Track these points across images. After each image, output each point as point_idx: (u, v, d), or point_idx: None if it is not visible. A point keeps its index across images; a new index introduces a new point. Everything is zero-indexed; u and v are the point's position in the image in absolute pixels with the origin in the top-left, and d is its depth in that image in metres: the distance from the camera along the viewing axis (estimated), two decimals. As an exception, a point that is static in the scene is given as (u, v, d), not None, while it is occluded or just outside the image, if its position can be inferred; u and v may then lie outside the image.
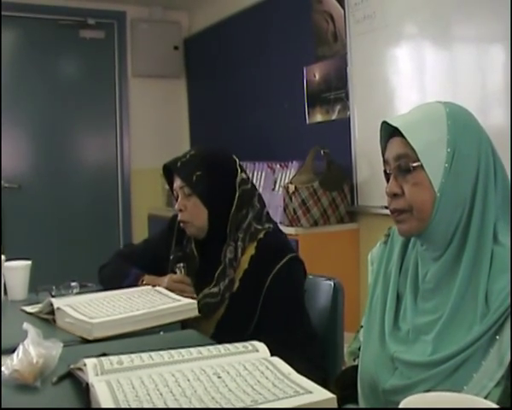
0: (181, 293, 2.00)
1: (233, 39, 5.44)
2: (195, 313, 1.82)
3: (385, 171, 1.44)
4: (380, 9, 3.69)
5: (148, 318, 1.76)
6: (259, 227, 2.16)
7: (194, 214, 2.16)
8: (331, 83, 4.18)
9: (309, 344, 2.07)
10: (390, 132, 1.42)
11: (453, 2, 3.22)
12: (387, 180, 1.43)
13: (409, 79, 3.59)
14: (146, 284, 2.16)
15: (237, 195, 2.15)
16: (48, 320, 1.87)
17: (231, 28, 5.44)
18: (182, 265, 2.21)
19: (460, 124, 1.35)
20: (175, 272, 2.21)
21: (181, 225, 2.23)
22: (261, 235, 2.14)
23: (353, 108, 3.96)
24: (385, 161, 1.44)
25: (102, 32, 6.09)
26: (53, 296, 2.09)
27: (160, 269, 2.25)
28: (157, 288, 2.02)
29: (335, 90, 4.15)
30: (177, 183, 2.22)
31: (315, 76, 4.33)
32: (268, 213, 2.27)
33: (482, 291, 1.28)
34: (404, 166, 1.36)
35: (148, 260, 2.34)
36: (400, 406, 0.89)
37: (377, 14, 3.72)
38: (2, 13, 5.60)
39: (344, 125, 4.01)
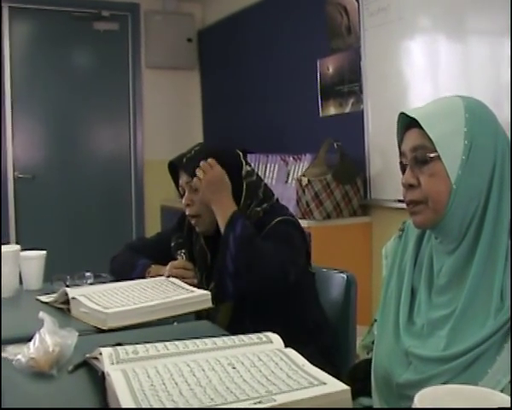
0: (182, 278, 2.04)
1: (246, 31, 5.44)
2: (209, 304, 1.83)
3: (401, 162, 1.44)
4: (394, 2, 3.68)
5: (162, 308, 1.77)
6: (258, 209, 2.17)
7: (202, 208, 2.17)
8: (344, 76, 4.18)
9: (320, 332, 2.08)
10: (407, 124, 1.41)
11: (468, -4, 3.21)
12: (403, 172, 1.42)
13: (422, 72, 3.58)
14: (152, 275, 2.19)
15: (244, 187, 2.17)
16: (62, 310, 1.89)
17: (245, 20, 5.44)
18: (183, 251, 2.24)
19: (477, 117, 1.35)
20: (177, 259, 2.24)
21: (191, 221, 2.25)
22: (260, 214, 2.16)
23: (367, 101, 3.96)
24: (401, 153, 1.44)
25: (116, 24, 6.10)
26: (67, 286, 2.11)
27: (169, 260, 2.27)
28: (171, 279, 2.04)
29: (349, 83, 4.14)
30: (184, 178, 2.25)
31: (328, 69, 4.33)
32: (277, 201, 2.28)
33: (497, 286, 1.28)
34: (420, 157, 1.36)
35: (157, 253, 2.35)
36: (415, 398, 0.89)
37: (391, 7, 3.71)
38: (17, 5, 5.64)
39: (357, 118, 4.01)
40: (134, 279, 2.11)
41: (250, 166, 2.25)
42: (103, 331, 1.67)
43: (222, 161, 2.16)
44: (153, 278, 2.11)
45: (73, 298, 1.85)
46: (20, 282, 2.23)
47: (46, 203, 5.83)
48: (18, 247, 2.23)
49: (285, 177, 4.23)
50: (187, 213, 2.25)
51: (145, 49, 6.14)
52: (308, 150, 4.12)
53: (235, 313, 2.08)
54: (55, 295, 1.98)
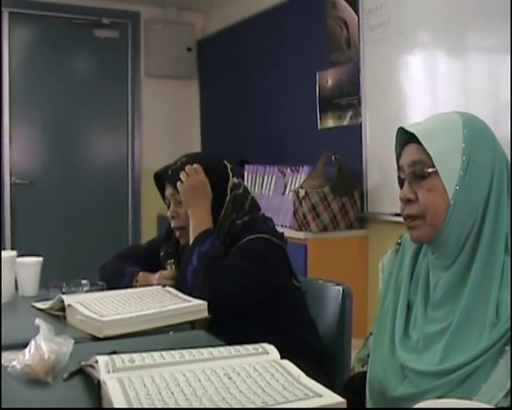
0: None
1: (246, 42, 5.45)
2: (205, 314, 1.82)
3: (399, 177, 1.44)
4: (394, 17, 3.70)
5: (158, 317, 1.76)
6: (238, 221, 2.15)
7: (187, 221, 2.16)
8: (344, 89, 4.19)
9: (307, 348, 2.07)
10: (405, 139, 1.42)
11: (468, 12, 3.23)
12: (401, 186, 1.43)
13: (421, 86, 3.60)
14: (140, 284, 2.19)
15: (227, 199, 2.16)
16: (58, 317, 1.88)
17: (245, 31, 5.45)
18: (172, 261, 2.24)
19: (475, 133, 1.36)
20: (166, 269, 2.24)
21: (176, 233, 2.25)
22: (239, 226, 2.15)
23: (365, 115, 3.97)
24: (399, 168, 1.44)
25: (116, 32, 6.12)
26: (64, 293, 2.10)
27: (160, 269, 2.28)
28: (167, 288, 2.03)
29: (348, 96, 4.15)
30: (169, 190, 2.25)
31: (327, 81, 4.34)
32: (263, 216, 2.26)
33: (493, 301, 1.29)
34: (418, 172, 1.37)
35: (147, 261, 2.35)
36: (412, 412, 0.89)
37: (391, 22, 3.72)
38: (17, 10, 5.65)
39: (356, 132, 4.02)
40: (122, 288, 2.10)
41: (238, 178, 2.24)
42: (99, 339, 1.67)
43: (207, 171, 2.16)
44: (149, 287, 2.09)
45: (69, 305, 1.84)
46: (16, 288, 2.22)
47: (43, 210, 5.82)
48: (14, 253, 2.23)
49: (282, 188, 4.23)
50: (172, 225, 2.25)
51: (144, 58, 6.15)
52: (306, 162, 4.13)
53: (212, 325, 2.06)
54: (50, 301, 1.97)
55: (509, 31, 2.88)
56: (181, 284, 2.02)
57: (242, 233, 2.10)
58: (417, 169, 1.37)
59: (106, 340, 1.65)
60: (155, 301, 1.89)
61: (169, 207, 2.26)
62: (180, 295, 1.94)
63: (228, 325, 1.96)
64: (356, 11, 4.02)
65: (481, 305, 1.30)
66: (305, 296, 2.22)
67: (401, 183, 1.43)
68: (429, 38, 3.52)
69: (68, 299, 1.88)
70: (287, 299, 2.14)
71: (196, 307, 1.83)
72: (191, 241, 2.10)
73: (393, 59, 3.76)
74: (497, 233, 1.32)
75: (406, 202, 1.40)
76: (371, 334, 1.60)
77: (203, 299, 1.84)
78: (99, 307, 1.82)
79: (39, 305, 2.02)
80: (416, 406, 0.91)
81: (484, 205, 1.33)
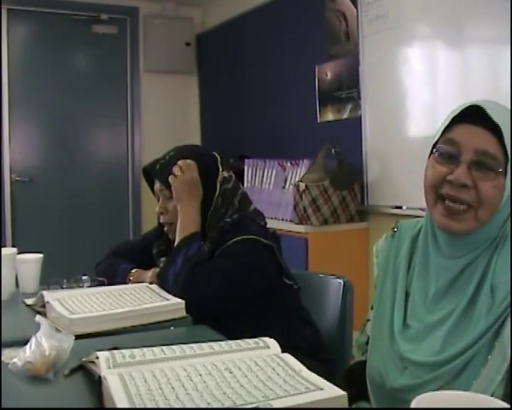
0: None
1: (245, 36, 5.45)
2: (183, 313, 1.81)
3: (439, 148, 1.35)
4: (393, 9, 3.69)
5: (130, 316, 1.74)
6: (228, 220, 2.12)
7: (176, 216, 2.14)
8: (343, 82, 4.18)
9: (312, 350, 2.06)
10: (465, 114, 1.33)
11: (467, 4, 3.22)
12: (438, 160, 1.35)
13: (421, 79, 3.59)
14: (133, 281, 2.16)
15: (216, 194, 2.13)
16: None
17: (244, 25, 5.45)
18: (164, 259, 2.19)
19: None
20: (159, 266, 2.20)
21: (164, 228, 2.23)
22: (228, 226, 2.11)
23: (365, 108, 3.96)
24: (449, 141, 1.34)
25: (115, 28, 6.11)
26: (63, 288, 2.11)
27: (154, 263, 2.26)
28: (151, 286, 2.02)
29: (347, 89, 4.15)
30: (157, 185, 2.22)
31: (327, 75, 4.34)
32: (253, 213, 2.22)
33: (488, 284, 1.29)
34: (489, 165, 1.29)
35: (141, 257, 2.33)
36: (412, 404, 0.89)
37: (390, 14, 3.72)
38: (16, 7, 5.64)
39: (355, 125, 4.02)
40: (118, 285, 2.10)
41: (228, 171, 2.21)
42: (99, 336, 1.66)
43: (198, 166, 2.14)
44: (134, 284, 2.09)
45: (47, 302, 1.82)
46: (17, 285, 2.22)
47: (43, 206, 5.82)
48: (15, 250, 2.23)
49: (282, 182, 4.23)
50: (161, 220, 2.23)
51: (143, 53, 6.14)
52: (306, 156, 4.13)
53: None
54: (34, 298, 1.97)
55: (509, 24, 2.88)
56: (161, 284, 2.01)
57: (230, 234, 2.07)
58: (488, 162, 1.29)
59: (106, 336, 1.65)
60: (134, 298, 1.87)
61: (158, 201, 2.24)
62: (162, 293, 1.93)
63: (211, 325, 1.90)
64: (354, 4, 4.01)
65: (482, 293, 1.30)
66: (298, 292, 2.19)
67: (445, 155, 1.34)
68: (428, 30, 3.52)
69: (48, 295, 1.87)
70: (275, 297, 2.12)
71: (173, 306, 1.81)
72: (177, 239, 2.08)
73: (393, 51, 3.75)
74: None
75: (461, 186, 1.30)
76: (368, 320, 1.59)
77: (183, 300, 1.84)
78: (75, 304, 1.80)
79: (29, 301, 2.00)
80: (415, 400, 0.90)
81: None
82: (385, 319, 1.47)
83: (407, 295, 1.46)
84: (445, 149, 1.33)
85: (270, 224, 2.30)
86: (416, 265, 1.45)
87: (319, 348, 2.12)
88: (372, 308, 1.56)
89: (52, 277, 2.22)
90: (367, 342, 1.56)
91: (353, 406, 1.50)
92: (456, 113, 1.33)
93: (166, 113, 6.28)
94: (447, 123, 1.34)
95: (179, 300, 1.84)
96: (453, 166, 1.32)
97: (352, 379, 1.55)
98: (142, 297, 1.88)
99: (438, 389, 1.22)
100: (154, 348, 1.31)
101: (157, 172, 2.21)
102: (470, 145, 1.30)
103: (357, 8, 3.99)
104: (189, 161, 2.13)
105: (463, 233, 1.33)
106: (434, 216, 1.37)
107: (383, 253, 1.57)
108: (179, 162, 2.13)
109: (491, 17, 3.08)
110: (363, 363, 1.54)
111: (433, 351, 1.32)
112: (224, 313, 1.94)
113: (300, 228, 3.83)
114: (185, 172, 2.11)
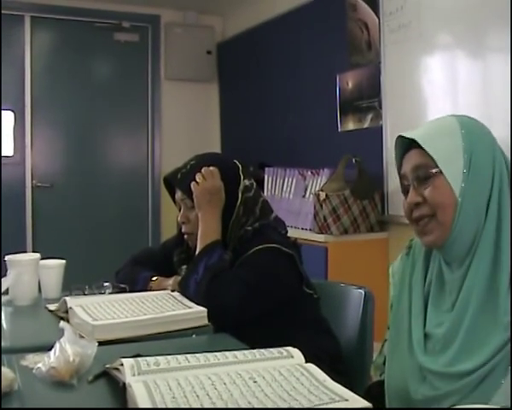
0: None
1: (266, 45, 5.45)
2: (205, 321, 1.81)
3: (402, 185, 1.48)
4: (415, 19, 3.68)
5: (152, 323, 1.75)
6: (249, 228, 2.12)
7: (197, 226, 2.13)
8: (364, 91, 4.18)
9: (330, 360, 2.04)
10: (405, 148, 1.46)
11: (489, 14, 3.21)
12: (405, 194, 1.46)
13: (442, 89, 3.58)
14: (154, 289, 2.16)
15: (238, 203, 2.12)
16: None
17: (265, 34, 5.45)
18: (185, 267, 2.18)
19: (474, 132, 1.40)
20: (180, 275, 2.19)
21: (185, 236, 2.23)
22: (249, 235, 2.11)
23: (386, 117, 3.95)
24: (402, 176, 1.48)
25: (137, 35, 6.14)
26: (85, 295, 2.12)
27: (174, 271, 2.26)
28: (173, 293, 2.02)
29: (368, 98, 4.14)
30: (178, 195, 2.22)
31: (348, 84, 4.33)
32: (274, 221, 2.21)
33: (503, 295, 1.30)
34: (422, 175, 1.39)
35: (162, 264, 2.33)
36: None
37: (412, 24, 3.71)
38: (39, 14, 5.69)
39: (376, 134, 4.01)
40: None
41: (249, 179, 2.20)
42: (121, 342, 1.67)
43: (220, 174, 2.13)
44: (155, 292, 2.08)
45: (71, 308, 1.83)
46: (40, 291, 2.23)
47: (64, 212, 5.85)
48: (38, 255, 2.24)
49: (303, 191, 4.22)
50: (183, 230, 2.22)
51: (164, 61, 6.16)
52: (326, 165, 4.11)
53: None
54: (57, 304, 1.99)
55: (509, 23, 2.88)
56: (183, 292, 2.01)
57: (251, 242, 2.06)
58: (421, 172, 1.40)
59: (128, 343, 1.66)
60: (156, 306, 1.87)
61: (179, 210, 2.23)
62: (184, 301, 1.93)
63: (232, 333, 1.89)
64: (376, 13, 4.01)
65: (492, 302, 1.31)
66: (318, 301, 2.18)
67: (405, 190, 1.46)
68: (450, 40, 3.50)
69: (71, 301, 1.88)
70: (295, 307, 2.11)
71: (195, 314, 1.82)
72: (198, 248, 2.08)
73: (414, 61, 3.74)
74: (500, 230, 1.34)
75: (414, 206, 1.41)
76: (386, 341, 1.59)
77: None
78: (98, 310, 1.81)
79: (51, 307, 2.01)
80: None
81: (487, 202, 1.36)
82: (403, 332, 1.47)
83: (425, 307, 1.47)
84: (402, 185, 1.48)
85: (290, 233, 2.29)
86: (433, 277, 1.47)
87: (339, 359, 2.11)
88: (389, 328, 1.57)
89: (72, 283, 2.24)
90: (384, 363, 1.56)
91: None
92: (396, 151, 1.50)
93: (187, 121, 6.29)
94: (398, 163, 1.50)
95: (201, 308, 1.84)
96: None
97: (370, 398, 1.55)
98: (164, 305, 1.88)
99: (458, 401, 1.23)
100: (178, 356, 1.32)
101: (178, 181, 2.20)
102: (409, 169, 1.43)
103: (379, 17, 3.98)
104: (212, 168, 2.13)
105: (437, 243, 1.40)
106: (418, 238, 1.48)
107: (398, 272, 1.59)
108: (202, 170, 2.13)
109: (513, 27, 3.07)
110: (381, 382, 1.54)
111: (452, 362, 1.33)
112: (245, 322, 1.93)
113: (320, 237, 3.82)
114: (207, 179, 2.11)
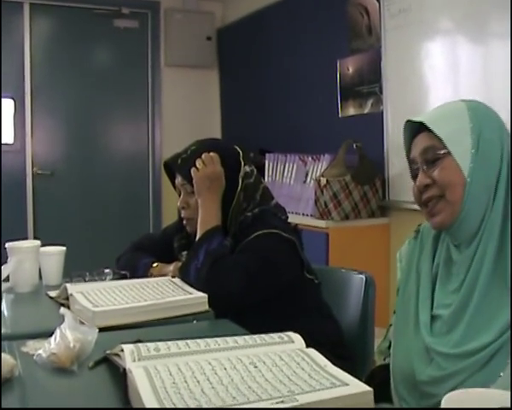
0: None
1: (266, 31, 5.43)
2: (205, 307, 1.81)
3: (411, 169, 1.49)
4: (415, 4, 3.66)
5: (153, 309, 1.74)
6: (249, 214, 2.11)
7: (197, 211, 2.13)
8: (364, 76, 4.16)
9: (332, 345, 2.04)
10: (413, 133, 1.47)
11: (489, -1, 3.20)
12: (415, 178, 1.47)
13: (443, 74, 3.56)
14: (155, 275, 2.16)
15: (238, 189, 2.12)
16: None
17: (265, 19, 5.43)
18: (186, 253, 2.18)
19: (480, 113, 1.42)
20: (181, 261, 2.20)
21: (184, 221, 2.23)
22: (249, 221, 2.11)
23: (386, 103, 3.94)
24: (411, 161, 1.49)
25: (136, 22, 6.11)
26: (85, 281, 2.12)
27: (175, 257, 2.26)
28: (174, 279, 2.02)
29: (369, 83, 4.13)
30: (178, 180, 2.21)
31: (348, 69, 4.32)
32: (275, 207, 2.21)
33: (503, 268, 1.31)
34: (431, 157, 1.41)
35: (163, 250, 2.33)
36: (443, 401, 0.88)
37: (413, 9, 3.69)
38: (38, 1, 5.67)
39: (377, 120, 4.00)
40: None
41: (250, 166, 2.19)
42: (122, 328, 1.67)
43: (221, 160, 2.13)
44: (156, 278, 2.08)
45: (71, 294, 1.83)
46: (40, 277, 2.23)
47: (64, 200, 5.85)
48: (38, 242, 2.24)
49: (303, 177, 4.21)
50: (182, 215, 2.23)
51: (164, 47, 6.14)
52: (327, 151, 4.11)
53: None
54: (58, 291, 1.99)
55: (509, 20, 2.86)
56: (183, 278, 2.01)
57: (251, 228, 2.06)
58: (429, 155, 1.42)
59: (129, 329, 1.66)
60: (157, 292, 1.87)
61: (180, 195, 2.23)
62: (185, 286, 1.93)
63: (232, 319, 1.89)
64: (377, -2, 3.99)
65: (499, 282, 1.32)
66: (319, 287, 2.18)
67: (415, 175, 1.47)
68: (451, 25, 3.49)
69: (72, 288, 1.88)
70: (296, 292, 2.11)
71: (196, 299, 1.82)
72: (198, 234, 2.08)
73: (415, 46, 3.72)
74: (509, 210, 1.35)
75: (424, 188, 1.43)
76: (391, 325, 1.60)
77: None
78: (98, 296, 1.81)
79: (52, 294, 2.02)
80: (445, 398, 0.90)
81: (495, 182, 1.37)
82: (410, 314, 1.48)
83: (433, 291, 1.47)
84: (411, 169, 1.50)
85: (291, 218, 2.29)
86: (441, 260, 1.48)
87: (340, 344, 2.11)
88: (394, 312, 1.57)
89: (73, 269, 2.24)
90: (389, 347, 1.56)
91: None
92: (405, 135, 1.51)
93: (187, 107, 6.27)
94: (407, 147, 1.52)
95: (202, 294, 1.84)
96: None
97: (372, 383, 1.56)
98: (164, 291, 1.88)
99: (463, 381, 1.23)
100: (178, 342, 1.31)
101: (179, 166, 2.20)
102: (418, 152, 1.45)
103: (379, 2, 3.96)
104: (212, 153, 2.13)
105: (446, 224, 1.41)
106: (427, 221, 1.49)
107: (406, 256, 1.60)
108: (203, 155, 2.12)
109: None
110: (384, 366, 1.55)
111: (458, 343, 1.34)
112: (246, 307, 1.93)
113: (321, 223, 3.82)
114: (207, 165, 2.11)
